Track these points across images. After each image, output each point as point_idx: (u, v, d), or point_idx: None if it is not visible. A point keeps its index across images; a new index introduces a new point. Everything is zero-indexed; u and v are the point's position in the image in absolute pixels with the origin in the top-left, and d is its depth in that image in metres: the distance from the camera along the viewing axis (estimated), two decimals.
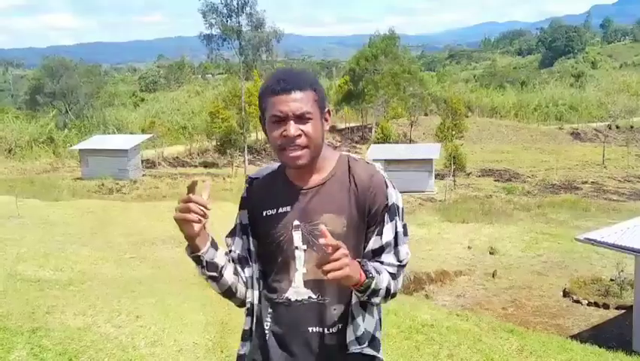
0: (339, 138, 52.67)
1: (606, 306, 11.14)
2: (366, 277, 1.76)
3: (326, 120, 1.92)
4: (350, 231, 1.88)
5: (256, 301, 1.96)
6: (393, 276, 1.88)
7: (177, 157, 42.45)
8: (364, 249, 1.90)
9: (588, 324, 10.36)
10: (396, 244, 1.91)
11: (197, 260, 1.90)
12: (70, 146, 37.82)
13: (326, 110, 1.92)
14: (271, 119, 1.84)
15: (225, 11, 36.92)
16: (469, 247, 14.83)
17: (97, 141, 33.50)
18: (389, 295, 1.87)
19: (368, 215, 1.90)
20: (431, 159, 31.31)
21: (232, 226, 2.07)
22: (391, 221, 1.90)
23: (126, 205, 19.01)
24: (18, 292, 6.67)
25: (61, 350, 4.78)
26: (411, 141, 46.91)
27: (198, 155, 43.82)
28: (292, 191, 1.92)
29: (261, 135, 48.57)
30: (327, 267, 1.65)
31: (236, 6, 36.77)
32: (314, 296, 1.88)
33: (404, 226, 1.94)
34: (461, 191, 30.71)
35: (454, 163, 34.79)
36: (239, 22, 37.17)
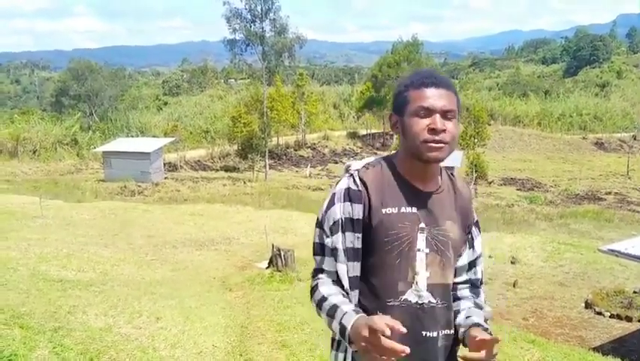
0: (360, 145, 52.60)
1: (629, 318, 10.96)
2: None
3: None
4: (461, 239, 1.98)
5: (355, 301, 1.87)
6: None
7: (199, 161, 42.67)
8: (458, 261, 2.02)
9: (610, 336, 10.21)
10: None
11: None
12: (94, 148, 38.22)
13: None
14: (417, 110, 1.83)
15: (249, 17, 37.11)
16: (490, 256, 14.68)
17: (120, 144, 33.79)
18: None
19: (468, 227, 2.03)
20: (452, 167, 30.98)
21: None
22: (480, 234, 2.09)
23: (148, 208, 19.15)
24: (41, 292, 6.74)
25: (83, 350, 4.82)
26: None
27: (220, 159, 43.99)
28: (415, 192, 1.89)
29: (282, 140, 48.77)
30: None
31: (260, 11, 36.96)
32: (433, 301, 1.88)
33: None
34: (483, 200, 30.48)
35: (475, 171, 34.60)
36: (262, 28, 37.33)
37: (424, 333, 1.87)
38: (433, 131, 1.80)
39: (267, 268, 10.32)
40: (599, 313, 11.17)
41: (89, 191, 25.53)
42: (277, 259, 9.99)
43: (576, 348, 7.53)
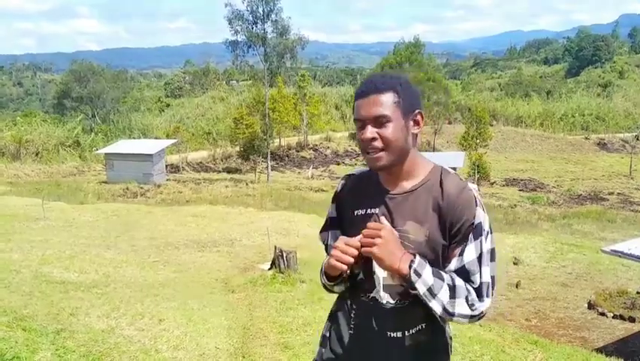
0: None
1: (632, 319, 10.94)
2: (409, 273, 1.77)
3: (416, 123, 1.92)
4: (430, 243, 1.85)
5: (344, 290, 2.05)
6: (454, 294, 1.80)
7: (201, 162, 42.73)
8: (444, 269, 1.85)
9: (613, 337, 10.19)
10: (480, 266, 1.86)
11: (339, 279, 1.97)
12: (96, 150, 38.25)
13: (415, 112, 1.91)
14: (356, 124, 1.90)
15: (251, 18, 37.07)
16: None
17: (122, 146, 33.82)
18: (448, 313, 1.80)
19: (449, 231, 1.85)
20: (455, 168, 31.10)
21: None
22: (475, 240, 1.85)
23: (150, 209, 19.15)
24: (43, 294, 6.74)
25: (85, 352, 4.82)
26: (434, 150, 46.70)
27: (222, 160, 44.05)
28: (381, 194, 1.94)
29: (284, 142, 48.82)
30: (362, 240, 1.79)
31: (261, 13, 36.93)
32: (392, 301, 1.90)
33: (492, 251, 1.90)
34: (485, 200, 30.32)
35: (477, 172, 34.58)
36: (264, 29, 37.31)
37: (388, 333, 1.90)
38: (363, 141, 1.85)
39: (269, 269, 10.31)
40: (602, 314, 11.15)
41: (91, 193, 25.53)
42: (279, 261, 9.97)
43: (579, 349, 7.51)
